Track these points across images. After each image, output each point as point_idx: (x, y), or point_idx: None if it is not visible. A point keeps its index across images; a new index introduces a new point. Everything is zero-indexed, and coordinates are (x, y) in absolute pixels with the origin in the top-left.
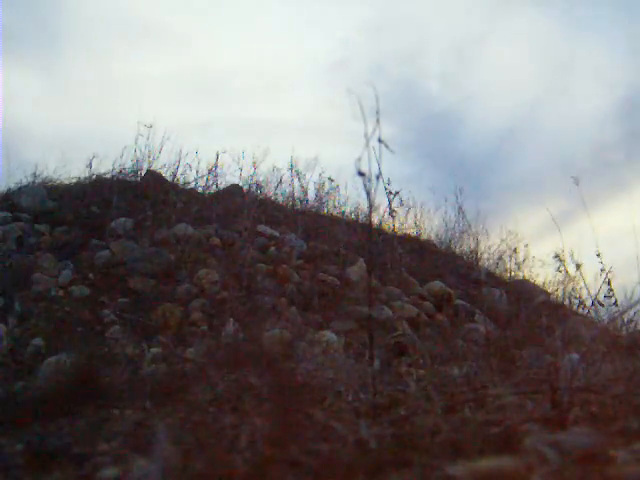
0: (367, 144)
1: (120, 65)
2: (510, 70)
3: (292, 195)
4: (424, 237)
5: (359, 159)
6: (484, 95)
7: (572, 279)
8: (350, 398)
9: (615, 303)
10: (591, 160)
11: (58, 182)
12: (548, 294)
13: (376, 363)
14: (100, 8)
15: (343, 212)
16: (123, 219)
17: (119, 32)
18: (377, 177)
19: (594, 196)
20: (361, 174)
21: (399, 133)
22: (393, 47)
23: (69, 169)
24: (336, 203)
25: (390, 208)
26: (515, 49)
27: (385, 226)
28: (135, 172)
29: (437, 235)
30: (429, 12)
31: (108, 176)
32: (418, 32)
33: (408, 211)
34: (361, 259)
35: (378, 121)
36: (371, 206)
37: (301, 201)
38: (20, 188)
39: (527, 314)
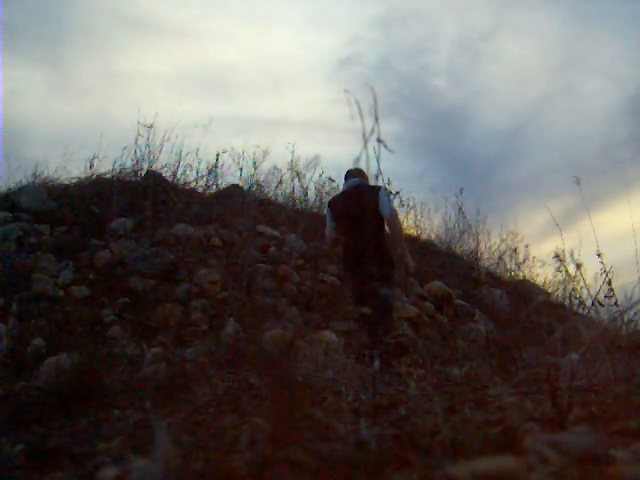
0: (365, 144)
1: (122, 63)
2: (518, 67)
3: (292, 195)
4: (424, 237)
5: (357, 159)
6: (491, 92)
7: (572, 279)
8: (350, 398)
9: (615, 303)
10: (598, 158)
11: (58, 182)
12: (548, 294)
13: (376, 363)
14: (102, 5)
15: None
16: (123, 219)
17: (121, 29)
18: (376, 177)
19: (598, 195)
20: (360, 174)
21: (405, 130)
22: (401, 43)
23: (69, 169)
24: None
25: None
26: (523, 45)
27: None
28: (135, 172)
29: (437, 235)
30: (437, 8)
31: (108, 176)
32: (426, 28)
33: (408, 211)
34: None
35: (377, 120)
36: None
37: (301, 201)
38: (20, 188)
39: (527, 314)
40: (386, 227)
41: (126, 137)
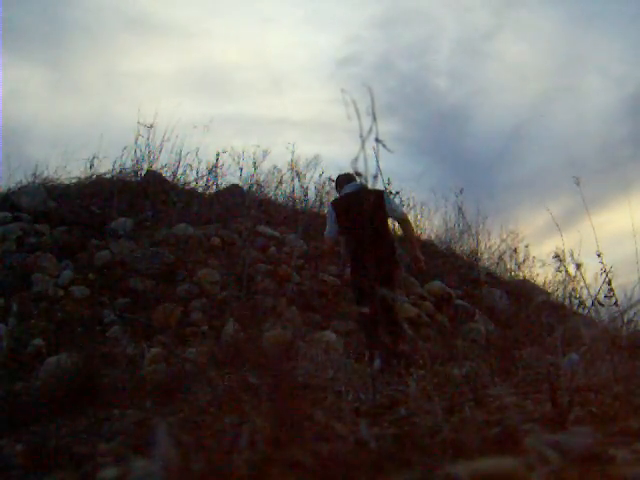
0: (363, 144)
1: (122, 62)
2: (518, 66)
3: (292, 195)
4: (424, 237)
5: (355, 159)
6: (491, 91)
7: (572, 279)
8: (350, 398)
9: (615, 303)
10: (598, 158)
11: (58, 182)
12: (548, 294)
13: (376, 363)
14: (102, 5)
15: None
16: (123, 219)
17: (122, 29)
18: (374, 177)
19: (598, 195)
20: (358, 174)
21: (405, 130)
22: (401, 43)
23: (69, 169)
24: None
25: None
26: (523, 45)
27: None
28: (135, 172)
29: (437, 235)
30: (437, 8)
31: (108, 176)
32: (427, 28)
33: (408, 211)
34: None
35: (375, 119)
36: None
37: (301, 201)
38: (20, 188)
39: (527, 314)
40: (389, 228)
41: (126, 137)
